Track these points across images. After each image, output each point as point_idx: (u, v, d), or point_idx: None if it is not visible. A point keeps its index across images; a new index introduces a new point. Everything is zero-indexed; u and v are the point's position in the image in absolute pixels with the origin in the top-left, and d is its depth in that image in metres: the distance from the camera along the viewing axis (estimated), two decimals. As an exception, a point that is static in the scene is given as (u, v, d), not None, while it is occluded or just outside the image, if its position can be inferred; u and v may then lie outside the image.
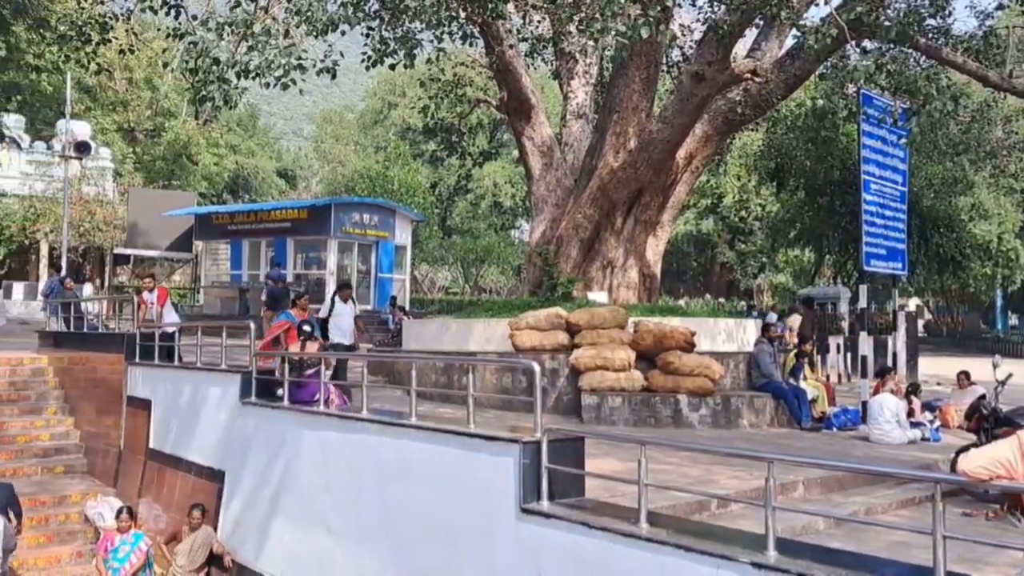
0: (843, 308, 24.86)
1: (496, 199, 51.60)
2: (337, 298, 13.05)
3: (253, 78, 10.17)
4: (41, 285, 21.81)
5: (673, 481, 7.20)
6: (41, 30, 18.04)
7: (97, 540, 11.48)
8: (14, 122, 32.36)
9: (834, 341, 19.72)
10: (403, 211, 31.36)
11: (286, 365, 9.86)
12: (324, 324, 12.65)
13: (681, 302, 34.29)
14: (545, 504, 5.87)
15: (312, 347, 10.23)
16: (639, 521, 5.20)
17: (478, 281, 43.40)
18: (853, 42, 11.37)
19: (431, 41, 13.63)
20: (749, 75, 14.16)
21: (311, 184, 69.55)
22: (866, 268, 12.66)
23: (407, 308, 26.17)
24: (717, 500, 7.18)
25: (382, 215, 29.32)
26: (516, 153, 52.15)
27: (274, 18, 10.27)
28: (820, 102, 14.38)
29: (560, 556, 5.62)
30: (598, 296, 14.17)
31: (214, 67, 9.90)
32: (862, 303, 13.14)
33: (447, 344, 13.96)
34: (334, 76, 11.20)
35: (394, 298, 26.71)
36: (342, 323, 12.87)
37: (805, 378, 13.28)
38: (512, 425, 8.24)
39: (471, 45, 16.58)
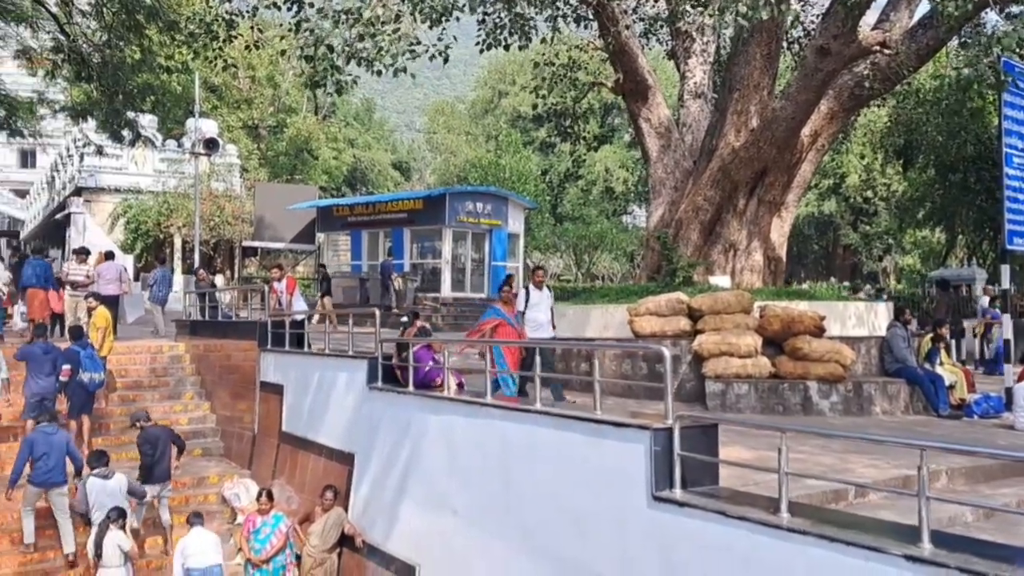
0: (979, 290, 23.60)
1: (608, 184, 51.23)
2: (531, 286, 11.21)
3: (366, 67, 10.32)
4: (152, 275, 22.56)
5: (807, 470, 6.96)
6: (172, 32, 18.89)
7: (234, 520, 12.02)
8: (148, 122, 34.03)
9: (970, 325, 18.74)
10: (515, 199, 31.49)
11: (409, 352, 10.03)
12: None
13: (805, 286, 33.23)
14: (678, 492, 5.75)
15: (411, 332, 10.42)
16: (779, 511, 5.02)
17: (590, 268, 43.17)
18: (996, 7, 10.67)
19: (546, 21, 13.59)
20: (878, 47, 13.53)
21: (424, 175, 70.81)
22: (1009, 247, 11.91)
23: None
24: (855, 490, 6.90)
25: (495, 203, 29.51)
26: (628, 137, 51.81)
27: (384, 5, 10.36)
28: (966, 71, 13.51)
29: (694, 545, 5.50)
30: (720, 280, 13.85)
31: (327, 54, 10.09)
32: (1004, 284, 12.39)
33: (563, 330, 13.89)
34: (446, 60, 11.29)
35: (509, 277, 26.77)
36: (539, 315, 11.00)
37: (942, 363, 12.63)
38: (633, 411, 8.14)
39: (585, 28, 16.44)
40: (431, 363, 9.92)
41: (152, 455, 11.25)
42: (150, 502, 11.37)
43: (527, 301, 10.95)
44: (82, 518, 10.51)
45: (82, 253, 17.62)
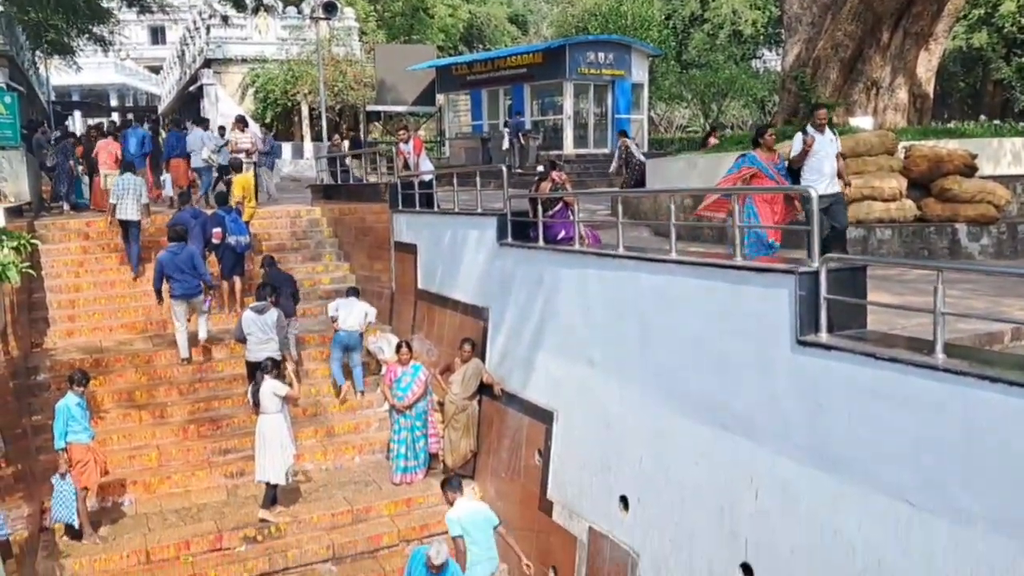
0: None
1: (736, 27, 48.36)
2: (810, 128, 9.23)
3: None
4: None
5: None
6: None
7: (379, 371, 12.66)
8: (268, -12, 34.21)
9: None
10: (639, 46, 30.20)
11: (539, 206, 10.03)
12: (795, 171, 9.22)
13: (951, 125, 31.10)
14: (824, 336, 5.65)
15: (545, 187, 10.31)
16: (934, 351, 4.87)
17: (718, 117, 41.52)
18: None
19: None
20: None
21: (541, 28, 68.77)
22: None
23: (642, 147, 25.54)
24: (1011, 333, 6.64)
25: (617, 52, 28.44)
26: (758, -27, 48.35)
27: None
28: None
29: (842, 388, 5.42)
30: (862, 121, 13.13)
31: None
32: None
33: (695, 182, 13.61)
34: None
35: (623, 132, 25.94)
36: (821, 164, 9.08)
37: (1110, 202, 11.74)
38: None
39: None
40: (563, 232, 9.83)
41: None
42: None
43: (806, 146, 9.06)
44: (238, 342, 11.55)
45: (240, 122, 18.29)
